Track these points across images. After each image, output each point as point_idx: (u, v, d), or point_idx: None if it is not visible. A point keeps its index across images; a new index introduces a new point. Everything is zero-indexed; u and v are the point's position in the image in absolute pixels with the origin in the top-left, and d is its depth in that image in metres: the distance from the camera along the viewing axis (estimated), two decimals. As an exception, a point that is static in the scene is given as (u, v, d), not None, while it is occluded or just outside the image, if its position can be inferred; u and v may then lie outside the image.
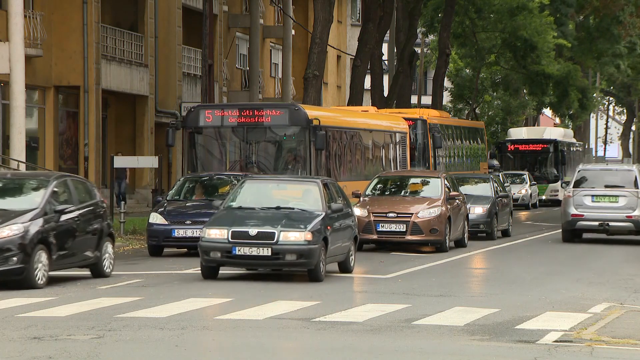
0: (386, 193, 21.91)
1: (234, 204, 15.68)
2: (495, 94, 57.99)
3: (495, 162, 44.50)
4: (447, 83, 51.01)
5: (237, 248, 14.71)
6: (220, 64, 38.87)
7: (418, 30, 44.34)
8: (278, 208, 15.43)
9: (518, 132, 49.38)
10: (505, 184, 42.61)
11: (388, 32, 39.70)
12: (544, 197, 46.57)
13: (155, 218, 19.37)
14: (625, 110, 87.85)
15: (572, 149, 50.45)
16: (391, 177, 22.85)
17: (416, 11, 40.33)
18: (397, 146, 27.81)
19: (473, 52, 50.10)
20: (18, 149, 28.84)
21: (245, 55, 43.21)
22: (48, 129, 31.74)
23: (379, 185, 22.07)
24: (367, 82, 37.21)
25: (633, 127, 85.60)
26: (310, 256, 14.82)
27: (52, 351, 9.54)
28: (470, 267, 19.11)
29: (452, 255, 20.63)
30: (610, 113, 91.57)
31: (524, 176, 44.72)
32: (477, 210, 24.49)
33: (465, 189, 24.87)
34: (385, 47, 43.88)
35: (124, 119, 35.38)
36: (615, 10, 49.59)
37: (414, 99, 46.36)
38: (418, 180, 22.42)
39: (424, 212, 20.74)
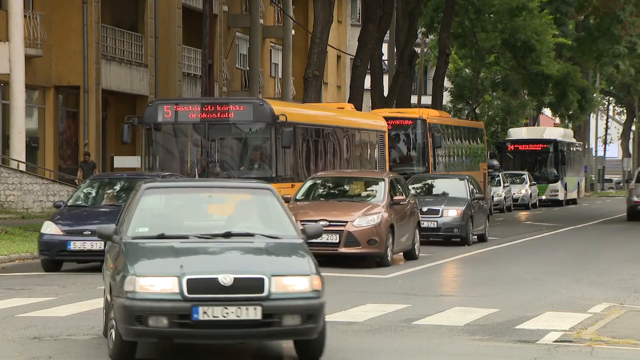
0: (320, 197, 18.64)
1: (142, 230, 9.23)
2: (495, 94, 57.99)
3: (495, 162, 44.48)
4: (447, 83, 51.00)
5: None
6: (220, 64, 38.87)
7: (418, 31, 44.32)
8: (226, 235, 9.25)
9: (518, 132, 49.38)
10: (505, 184, 42.81)
11: (388, 32, 39.68)
12: (543, 197, 46.55)
13: (49, 227, 16.04)
14: (625, 110, 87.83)
15: (572, 149, 50.43)
16: (328, 178, 19.52)
17: (416, 11, 40.32)
18: (375, 145, 26.45)
19: (473, 53, 50.09)
20: (18, 149, 28.81)
21: (245, 55, 43.20)
22: (48, 129, 31.74)
23: (312, 188, 18.85)
24: (367, 82, 37.21)
25: (633, 127, 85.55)
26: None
27: (52, 351, 9.53)
28: (469, 267, 19.10)
29: (451, 256, 20.61)
30: (610, 113, 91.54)
31: (524, 176, 44.70)
32: (451, 213, 22.56)
33: (438, 190, 23.72)
34: (385, 47, 43.86)
35: (124, 119, 35.36)
36: (615, 10, 49.57)
37: (414, 99, 46.33)
38: (358, 182, 19.29)
39: (361, 220, 17.43)
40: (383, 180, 18.68)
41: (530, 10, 46.94)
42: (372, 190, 18.64)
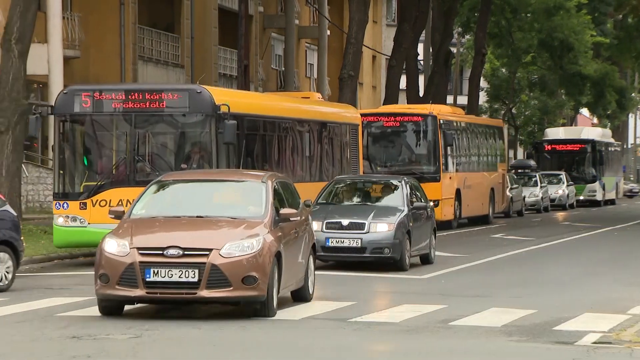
0: (164, 213, 11.81)
1: None
2: (532, 94, 57.66)
3: (532, 162, 44.21)
4: (483, 83, 50.78)
5: None
6: (256, 64, 38.97)
7: (454, 30, 44.16)
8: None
9: (555, 132, 49.07)
10: (542, 184, 42.53)
11: (424, 32, 39.59)
12: (581, 198, 46.20)
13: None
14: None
15: (610, 148, 50.02)
16: (176, 181, 12.50)
17: (452, 11, 40.20)
18: (347, 141, 22.97)
19: (509, 52, 49.86)
20: (56, 150, 28.99)
21: (280, 55, 43.28)
22: (85, 130, 31.95)
23: (152, 199, 12.07)
24: (403, 82, 37.14)
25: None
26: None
27: (91, 350, 9.60)
28: (506, 268, 18.99)
29: (488, 256, 20.50)
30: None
31: (561, 176, 44.39)
32: (380, 228, 16.88)
33: (366, 198, 18.20)
34: (420, 47, 43.74)
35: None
36: (654, 9, 49.08)
37: (449, 99, 46.16)
38: (224, 187, 12.31)
39: (232, 247, 11.13)
40: (263, 184, 12.06)
41: (568, 10, 46.63)
42: (246, 200, 12.01)
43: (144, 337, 10.24)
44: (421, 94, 38.54)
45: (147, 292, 11.07)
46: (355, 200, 18.24)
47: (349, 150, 23.28)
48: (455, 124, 29.52)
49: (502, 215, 35.47)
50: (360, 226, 17.03)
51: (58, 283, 15.11)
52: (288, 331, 10.88)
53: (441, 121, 27.96)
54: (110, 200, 17.34)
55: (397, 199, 17.76)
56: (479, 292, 14.75)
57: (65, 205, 17.62)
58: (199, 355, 9.56)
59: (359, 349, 10.14)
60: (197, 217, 11.71)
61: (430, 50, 41.64)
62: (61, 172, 17.71)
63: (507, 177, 36.16)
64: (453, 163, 28.99)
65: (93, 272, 11.45)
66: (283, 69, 42.07)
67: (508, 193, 35.98)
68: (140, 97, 17.44)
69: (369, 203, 17.98)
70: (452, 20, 40.74)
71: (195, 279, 11.04)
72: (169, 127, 17.73)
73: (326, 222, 17.05)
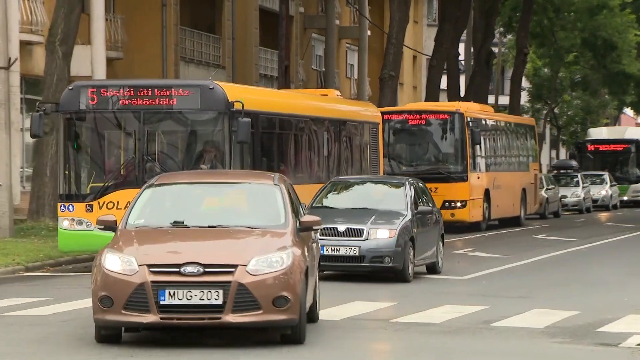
0: (167, 222, 10.14)
1: None
2: (574, 93, 57.20)
3: (574, 163, 43.83)
4: (525, 83, 50.43)
5: None
6: (296, 65, 39.04)
7: (495, 30, 43.93)
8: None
9: (598, 132, 48.63)
10: (584, 185, 42.14)
11: (465, 31, 39.42)
12: (625, 198, 45.72)
13: None
14: None
15: (654, 148, 49.48)
16: (174, 184, 10.79)
17: (493, 10, 40.00)
18: (365, 140, 21.99)
19: (551, 52, 49.50)
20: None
21: (320, 56, 43.32)
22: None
23: (148, 206, 10.37)
24: (444, 82, 37.00)
25: None
26: None
27: (133, 349, 9.65)
28: (548, 269, 18.84)
29: (530, 257, 20.35)
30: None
31: (604, 177, 43.97)
32: (381, 235, 15.17)
33: (365, 201, 16.00)
34: (461, 47, 43.58)
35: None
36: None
37: (491, 99, 45.91)
38: (232, 191, 10.67)
39: (259, 263, 9.48)
40: (276, 186, 10.48)
41: (611, 9, 46.19)
42: (258, 205, 10.40)
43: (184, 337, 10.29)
44: (462, 94, 38.38)
45: (161, 318, 9.22)
46: (354, 203, 16.08)
47: (368, 150, 22.12)
48: (483, 121, 28.39)
49: (537, 217, 34.95)
50: (358, 232, 15.16)
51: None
52: (330, 331, 10.84)
53: (468, 119, 26.78)
54: (117, 202, 16.36)
55: (400, 202, 15.86)
56: (521, 293, 14.65)
57: (70, 207, 16.66)
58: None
59: (399, 349, 10.10)
60: (209, 226, 9.88)
61: (472, 49, 41.46)
62: (66, 172, 16.76)
63: (542, 177, 35.48)
64: (481, 162, 27.94)
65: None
66: (323, 69, 42.10)
67: (543, 194, 35.39)
68: (149, 94, 16.42)
69: (368, 207, 15.81)
70: (494, 19, 40.52)
71: (220, 301, 9.23)
72: (180, 125, 16.76)
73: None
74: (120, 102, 16.52)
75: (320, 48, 43.31)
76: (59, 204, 16.95)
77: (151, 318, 9.23)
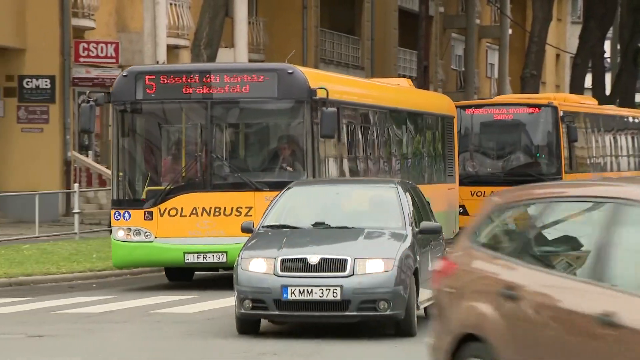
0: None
1: None
2: None
3: None
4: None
5: None
6: (436, 65, 38.84)
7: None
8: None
9: None
10: None
11: (611, 29, 38.43)
12: None
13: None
14: None
15: None
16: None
17: (642, 6, 38.84)
18: (441, 135, 19.17)
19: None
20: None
21: (460, 56, 42.98)
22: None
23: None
24: (587, 81, 36.15)
25: None
26: None
27: (277, 348, 9.74)
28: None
29: None
30: None
31: None
32: (372, 267, 10.04)
33: (343, 216, 10.85)
34: (607, 44, 42.45)
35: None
36: None
37: (638, 98, 44.57)
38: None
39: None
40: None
41: None
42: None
43: (327, 335, 10.34)
44: (607, 92, 37.43)
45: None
46: (328, 219, 10.76)
47: (443, 146, 19.15)
48: (583, 116, 24.17)
49: None
50: (339, 265, 10.00)
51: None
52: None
53: (562, 112, 22.72)
54: (182, 208, 13.73)
55: (394, 216, 10.62)
56: None
57: (126, 215, 13.87)
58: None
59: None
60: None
61: (618, 47, 40.36)
62: (121, 174, 14.03)
63: None
64: (580, 162, 24.01)
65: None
66: (463, 69, 41.75)
67: None
68: (218, 80, 13.82)
69: (349, 225, 10.66)
70: (641, 16, 39.34)
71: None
72: (253, 117, 14.16)
73: (282, 259, 9.98)
74: (183, 90, 13.88)
75: (460, 48, 42.97)
76: (112, 211, 14.13)
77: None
